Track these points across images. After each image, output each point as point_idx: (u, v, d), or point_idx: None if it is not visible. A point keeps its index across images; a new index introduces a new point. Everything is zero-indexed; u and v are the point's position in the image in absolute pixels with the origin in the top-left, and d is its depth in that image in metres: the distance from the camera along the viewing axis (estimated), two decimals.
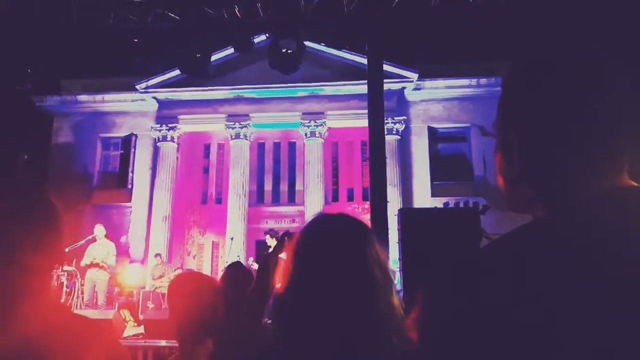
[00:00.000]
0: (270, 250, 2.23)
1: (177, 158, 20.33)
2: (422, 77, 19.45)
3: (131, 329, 9.39)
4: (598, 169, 0.82)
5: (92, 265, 10.76)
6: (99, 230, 11.17)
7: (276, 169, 21.67)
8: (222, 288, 2.18)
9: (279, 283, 1.38)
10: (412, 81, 19.44)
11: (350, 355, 1.21)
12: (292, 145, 21.60)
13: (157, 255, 14.79)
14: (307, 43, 9.87)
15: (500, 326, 0.72)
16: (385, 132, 9.36)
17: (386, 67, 14.09)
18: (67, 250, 10.74)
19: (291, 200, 20.96)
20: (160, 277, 12.95)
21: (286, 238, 2.00)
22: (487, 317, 0.73)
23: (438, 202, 15.34)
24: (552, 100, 0.84)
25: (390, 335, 1.24)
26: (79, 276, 11.30)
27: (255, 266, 12.15)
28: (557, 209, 0.82)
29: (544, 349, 0.69)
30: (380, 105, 8.42)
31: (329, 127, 19.87)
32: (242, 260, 16.14)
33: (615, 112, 0.82)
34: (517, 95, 0.90)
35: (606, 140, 0.82)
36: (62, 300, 10.28)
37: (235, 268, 3.40)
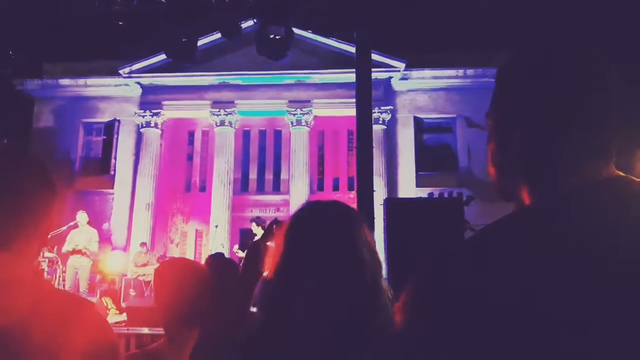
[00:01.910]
0: (258, 237, 2.22)
1: (161, 145, 20.12)
2: (409, 67, 19.44)
3: (113, 317, 9.34)
4: (589, 159, 0.83)
5: (75, 251, 10.63)
6: (82, 216, 11.02)
7: (261, 157, 21.57)
8: (208, 274, 2.16)
9: (267, 270, 1.40)
10: (399, 70, 19.42)
11: (338, 334, 1.23)
12: (277, 134, 21.50)
13: (142, 244, 14.70)
14: (294, 30, 9.78)
15: (489, 316, 0.71)
16: (372, 122, 9.34)
17: (373, 56, 14.02)
18: (49, 235, 10.58)
19: (276, 188, 20.91)
20: (144, 265, 12.86)
21: (275, 226, 2.01)
22: (475, 306, 0.73)
23: (423, 192, 15.45)
24: (549, 90, 0.84)
25: (378, 315, 1.27)
26: (60, 263, 11.16)
27: (240, 254, 12.12)
28: (548, 198, 0.82)
29: (532, 338, 0.69)
30: (368, 94, 8.39)
31: (316, 116, 19.80)
32: (227, 248, 16.10)
33: (606, 104, 0.84)
34: (514, 84, 0.90)
35: (598, 131, 0.83)
36: None
37: (217, 258, 3.38)
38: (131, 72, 19.81)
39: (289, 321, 1.26)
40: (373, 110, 12.14)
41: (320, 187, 20.85)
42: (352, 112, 8.88)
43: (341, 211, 1.42)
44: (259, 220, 9.54)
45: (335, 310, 1.25)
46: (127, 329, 7.88)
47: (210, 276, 2.15)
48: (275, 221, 1.93)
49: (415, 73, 19.64)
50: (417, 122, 19.84)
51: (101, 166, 20.27)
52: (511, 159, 0.88)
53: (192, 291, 1.99)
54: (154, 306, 2.11)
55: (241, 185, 20.87)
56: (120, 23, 9.56)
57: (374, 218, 7.72)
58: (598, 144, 0.83)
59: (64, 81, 20.45)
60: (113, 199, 19.75)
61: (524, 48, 0.92)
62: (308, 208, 1.46)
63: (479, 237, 0.86)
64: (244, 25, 10.13)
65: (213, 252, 4.09)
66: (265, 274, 1.39)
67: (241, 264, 2.61)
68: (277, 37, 8.64)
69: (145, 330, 7.54)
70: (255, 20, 9.28)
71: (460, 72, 19.31)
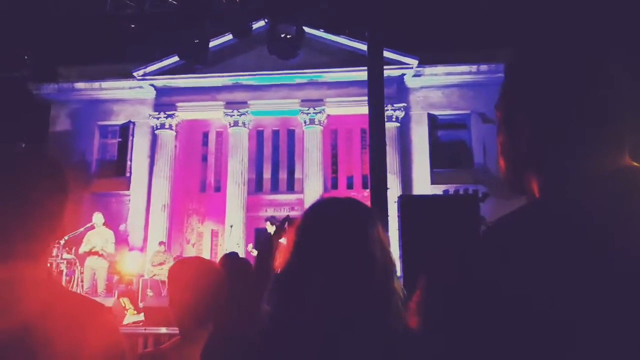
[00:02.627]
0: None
1: (176, 146, 20.26)
2: (422, 64, 19.32)
3: (131, 317, 9.43)
4: (601, 150, 0.82)
5: (92, 252, 10.77)
6: (98, 218, 11.15)
7: (275, 157, 21.60)
8: (222, 272, 2.17)
9: (278, 266, 1.38)
10: (412, 67, 19.31)
11: (345, 332, 1.22)
12: (291, 133, 21.52)
13: (161, 243, 14.85)
14: (306, 29, 9.78)
15: (503, 310, 0.71)
16: (385, 119, 9.29)
17: (386, 54, 13.95)
18: (66, 237, 10.73)
19: (290, 188, 20.93)
20: (161, 264, 12.97)
21: (286, 223, 2.00)
22: (489, 300, 0.72)
23: (438, 190, 15.37)
24: (558, 82, 0.84)
25: (387, 315, 1.25)
26: (78, 264, 11.30)
27: (255, 253, 12.16)
28: (560, 190, 0.82)
29: (546, 334, 0.68)
30: (380, 92, 8.34)
31: (328, 115, 19.79)
32: (242, 248, 16.16)
33: (617, 94, 0.83)
34: (524, 77, 0.90)
35: (609, 121, 0.83)
36: None
37: (231, 258, 3.40)
38: (145, 74, 19.98)
39: (296, 317, 1.25)
40: (386, 108, 12.09)
41: (335, 186, 20.83)
42: (365, 110, 8.83)
43: (355, 208, 1.40)
44: (273, 220, 9.57)
45: (342, 307, 1.23)
46: (145, 329, 7.94)
47: (223, 274, 2.15)
48: (287, 219, 1.93)
49: (428, 70, 19.51)
50: (431, 119, 19.70)
51: (117, 168, 20.49)
52: (521, 151, 0.87)
53: (204, 289, 1.99)
54: (169, 305, 2.12)
55: (255, 185, 20.94)
56: (133, 26, 9.65)
57: (387, 216, 7.69)
58: (608, 133, 0.83)
59: (79, 85, 20.70)
60: (129, 200, 19.94)
61: (531, 42, 0.92)
62: (321, 204, 1.45)
63: (490, 233, 0.85)
64: (255, 25, 10.17)
65: (228, 252, 4.12)
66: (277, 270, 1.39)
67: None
68: (288, 37, 8.65)
69: (163, 330, 7.59)
70: (266, 20, 9.30)
71: (474, 68, 19.14)
